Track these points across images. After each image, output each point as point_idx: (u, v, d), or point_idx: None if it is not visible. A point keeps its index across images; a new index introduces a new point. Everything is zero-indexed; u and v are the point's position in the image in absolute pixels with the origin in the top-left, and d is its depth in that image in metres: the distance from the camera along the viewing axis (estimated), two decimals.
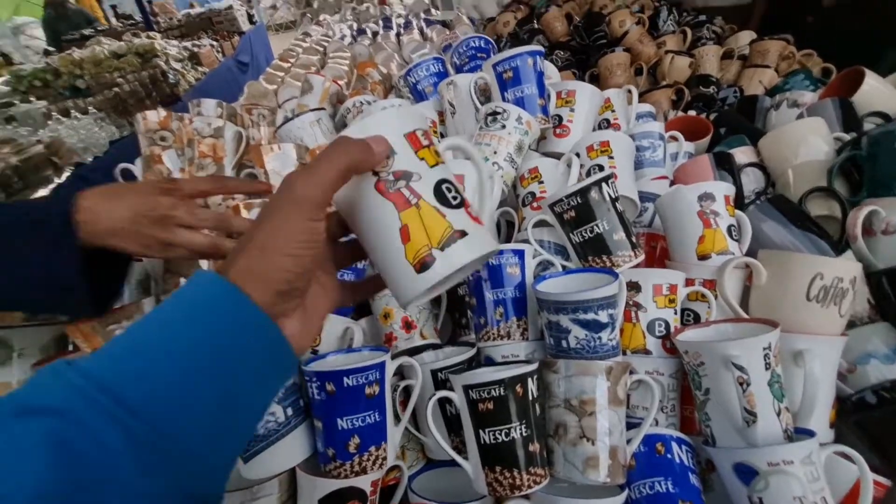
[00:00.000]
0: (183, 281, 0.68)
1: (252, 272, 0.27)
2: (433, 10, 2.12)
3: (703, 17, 1.51)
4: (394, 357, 0.51)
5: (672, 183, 0.76)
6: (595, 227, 0.55)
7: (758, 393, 0.44)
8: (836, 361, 0.51)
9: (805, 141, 0.75)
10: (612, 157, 0.66)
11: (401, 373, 0.54)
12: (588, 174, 0.67)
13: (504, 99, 0.71)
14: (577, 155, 0.69)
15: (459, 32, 1.83)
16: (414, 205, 0.30)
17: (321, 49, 1.84)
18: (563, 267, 0.59)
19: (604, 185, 0.55)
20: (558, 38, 1.58)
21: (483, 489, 0.46)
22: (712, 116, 1.04)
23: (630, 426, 0.50)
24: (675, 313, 0.55)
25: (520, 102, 0.70)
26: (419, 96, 0.92)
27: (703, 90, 1.22)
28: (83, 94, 3.03)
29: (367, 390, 0.46)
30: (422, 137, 0.32)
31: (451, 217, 0.31)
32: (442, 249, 0.30)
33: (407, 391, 0.53)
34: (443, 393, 0.47)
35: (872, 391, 0.52)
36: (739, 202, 0.74)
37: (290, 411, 0.47)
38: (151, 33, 3.75)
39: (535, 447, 0.45)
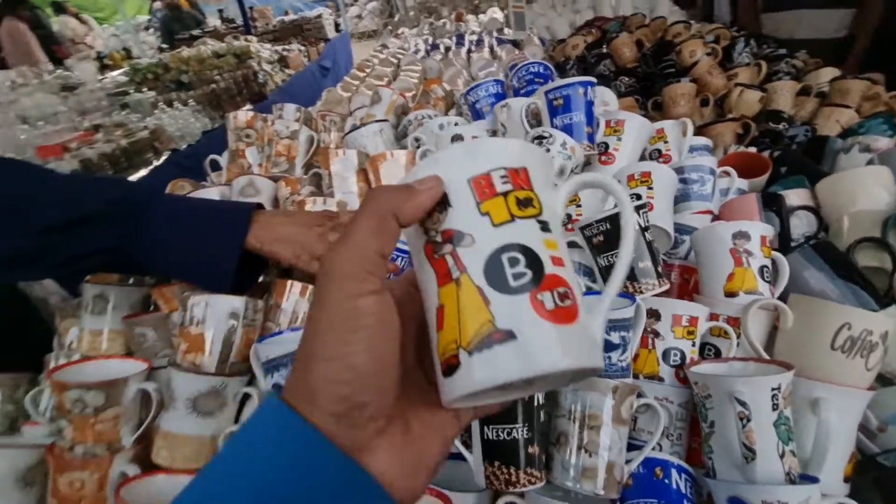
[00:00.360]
0: None
1: (299, 390, 0.22)
2: (506, 30, 2.19)
3: (782, 51, 1.45)
4: None
5: (716, 219, 0.76)
6: None
7: (759, 431, 0.45)
8: (858, 414, 0.50)
9: (865, 188, 0.73)
10: (651, 188, 0.68)
11: None
12: None
13: (553, 125, 0.75)
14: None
15: (528, 53, 1.88)
16: (454, 279, 0.23)
17: (395, 61, 1.96)
18: (588, 288, 0.62)
19: (635, 213, 0.58)
20: (626, 64, 1.59)
21: (482, 482, 0.50)
22: (775, 154, 1.01)
23: (633, 448, 0.52)
24: (693, 345, 0.56)
25: (567, 129, 0.74)
26: (476, 115, 0.98)
27: (772, 126, 1.19)
28: (186, 87, 3.38)
29: None
30: (498, 182, 0.24)
31: (500, 306, 0.22)
32: (470, 353, 0.22)
33: None
34: None
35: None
36: (785, 245, 0.73)
37: None
38: (249, 37, 4.13)
39: (534, 450, 0.49)
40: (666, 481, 0.50)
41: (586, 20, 2.10)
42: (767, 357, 0.55)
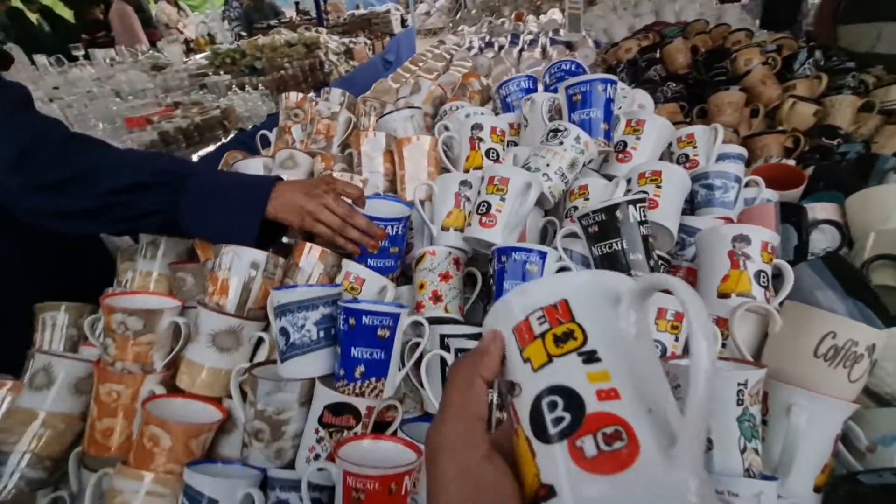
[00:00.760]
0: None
1: None
2: (561, 31, 2.19)
3: (850, 64, 1.36)
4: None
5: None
6: (614, 244, 0.60)
7: (715, 419, 0.46)
8: (834, 424, 0.49)
9: None
10: (659, 187, 0.69)
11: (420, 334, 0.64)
12: None
13: (570, 119, 0.77)
14: (629, 180, 0.73)
15: (580, 55, 1.87)
16: (515, 430, 0.23)
17: (448, 57, 2.01)
18: None
19: (630, 207, 0.60)
20: (677, 70, 1.55)
21: None
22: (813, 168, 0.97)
23: None
24: (677, 340, 0.57)
25: (585, 124, 0.76)
26: (507, 108, 1.01)
27: (825, 142, 1.13)
28: (258, 73, 3.62)
29: (380, 332, 0.57)
30: (536, 324, 0.23)
31: (542, 458, 0.21)
32: None
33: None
34: (438, 351, 0.56)
35: (877, 473, 0.49)
36: (803, 258, 0.71)
37: (321, 334, 0.60)
38: (319, 28, 4.35)
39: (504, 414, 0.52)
40: None
41: (645, 24, 2.06)
42: (750, 359, 0.55)
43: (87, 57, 3.59)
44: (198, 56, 4.05)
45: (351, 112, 1.06)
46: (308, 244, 0.71)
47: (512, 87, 0.98)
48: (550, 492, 0.20)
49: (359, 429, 0.57)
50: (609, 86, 0.75)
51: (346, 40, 4.30)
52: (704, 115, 1.29)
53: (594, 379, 0.21)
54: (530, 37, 2.20)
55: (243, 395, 0.63)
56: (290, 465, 0.59)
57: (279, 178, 0.74)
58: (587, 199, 0.72)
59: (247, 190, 0.72)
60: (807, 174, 0.91)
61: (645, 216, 0.61)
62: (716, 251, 0.61)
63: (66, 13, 5.13)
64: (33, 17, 4.74)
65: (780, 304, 0.60)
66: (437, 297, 0.70)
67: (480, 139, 0.79)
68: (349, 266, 0.69)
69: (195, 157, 2.26)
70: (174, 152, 2.34)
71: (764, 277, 0.59)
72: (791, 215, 0.72)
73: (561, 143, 0.72)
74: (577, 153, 0.72)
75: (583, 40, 1.98)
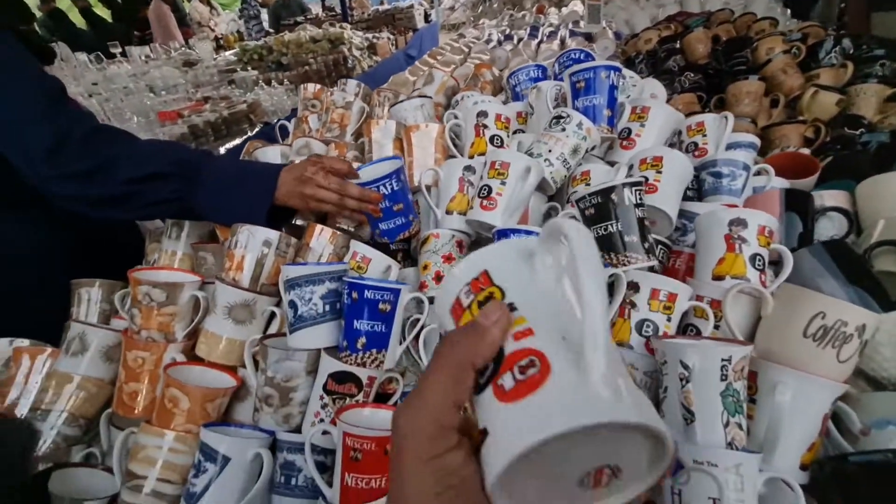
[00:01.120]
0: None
1: None
2: (581, 23, 2.17)
3: (879, 52, 1.31)
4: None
5: None
6: (609, 226, 0.61)
7: (700, 395, 0.47)
8: (821, 403, 0.50)
9: None
10: (660, 172, 0.70)
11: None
12: None
13: (574, 106, 0.78)
14: (631, 166, 0.74)
15: (599, 46, 1.86)
16: None
17: (466, 50, 2.03)
18: None
19: (626, 189, 0.61)
20: (697, 60, 1.53)
21: None
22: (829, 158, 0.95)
23: None
24: (669, 320, 0.59)
25: (588, 111, 0.77)
26: (517, 97, 1.03)
27: (847, 132, 1.10)
28: (284, 68, 3.72)
29: (381, 306, 0.60)
30: (465, 299, 0.26)
31: (478, 408, 0.24)
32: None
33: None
34: (436, 325, 0.59)
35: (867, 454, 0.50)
36: (807, 245, 0.71)
37: (327, 307, 0.63)
38: (344, 24, 4.41)
39: None
40: None
41: (668, 15, 2.02)
42: (741, 339, 0.56)
43: (124, 54, 3.75)
44: (227, 52, 4.18)
45: (366, 102, 1.10)
46: (319, 226, 0.75)
47: (521, 77, 0.99)
48: (484, 433, 0.22)
49: (360, 397, 0.61)
50: (613, 73, 0.76)
51: (370, 36, 4.36)
52: (722, 106, 1.28)
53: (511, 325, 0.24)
54: (550, 29, 2.20)
55: (256, 365, 0.67)
56: (297, 430, 0.63)
57: (283, 167, 0.79)
58: (588, 185, 0.73)
59: (255, 179, 0.77)
60: (823, 164, 0.90)
61: (641, 199, 0.62)
62: (712, 234, 0.62)
63: (105, 13, 5.37)
64: (75, 18, 4.98)
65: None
66: (439, 278, 0.73)
67: (485, 126, 0.81)
68: (357, 246, 0.72)
69: (222, 150, 2.35)
70: (203, 145, 2.44)
71: (760, 261, 0.59)
72: (796, 202, 0.72)
73: (563, 129, 0.74)
74: (579, 139, 0.74)
75: (602, 32, 1.96)
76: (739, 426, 0.48)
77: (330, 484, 0.56)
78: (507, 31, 2.37)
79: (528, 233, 0.65)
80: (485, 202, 0.69)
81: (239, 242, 0.71)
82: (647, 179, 0.70)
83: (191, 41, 4.51)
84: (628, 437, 0.21)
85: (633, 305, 0.59)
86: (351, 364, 0.60)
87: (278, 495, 0.60)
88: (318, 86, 1.15)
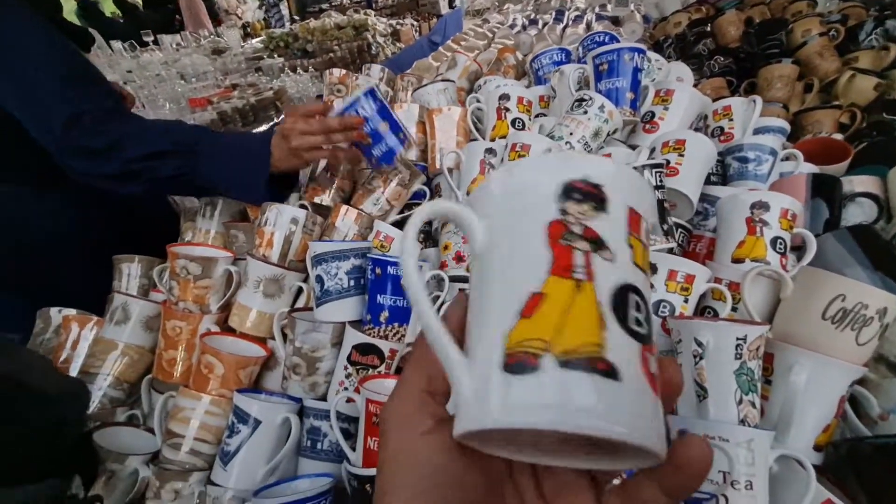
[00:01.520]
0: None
1: None
2: (609, 6, 2.12)
3: None
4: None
5: None
6: None
7: (713, 372, 0.48)
8: (837, 385, 0.50)
9: None
10: (682, 155, 0.70)
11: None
12: None
13: (597, 89, 0.78)
14: (653, 149, 0.74)
15: (626, 30, 1.83)
16: (576, 279, 0.20)
17: (490, 35, 2.01)
18: None
19: (646, 171, 0.61)
20: (728, 44, 1.48)
21: None
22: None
23: None
24: (686, 301, 0.59)
25: (611, 94, 0.77)
26: (539, 81, 1.03)
27: (886, 117, 1.06)
28: (309, 55, 3.75)
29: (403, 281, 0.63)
30: (643, 231, 0.22)
31: (615, 338, 0.19)
32: (562, 364, 0.18)
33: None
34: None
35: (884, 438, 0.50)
36: (832, 229, 0.70)
37: (352, 282, 0.66)
38: (368, 10, 4.42)
39: None
40: None
41: None
42: (759, 321, 0.56)
43: (156, 42, 3.85)
44: (254, 40, 4.24)
45: (389, 87, 1.12)
46: (344, 206, 0.77)
47: (544, 61, 0.99)
48: (612, 372, 0.18)
49: (382, 368, 0.64)
50: (637, 55, 0.76)
51: (394, 22, 4.35)
52: (753, 91, 1.24)
53: (652, 318, 0.22)
54: (576, 13, 2.16)
55: (284, 337, 0.71)
56: (323, 398, 0.66)
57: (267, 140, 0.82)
58: None
59: (249, 151, 0.81)
60: (856, 150, 0.87)
61: (661, 181, 0.62)
62: (733, 217, 0.62)
63: (137, 0, 5.50)
64: (108, 6, 5.12)
65: None
66: (459, 258, 0.74)
67: (507, 109, 0.82)
68: (380, 226, 0.75)
69: None
70: (231, 132, 2.50)
71: (781, 244, 0.59)
72: (824, 187, 0.70)
73: (585, 112, 0.74)
74: (601, 122, 0.74)
75: (630, 15, 1.92)
76: (753, 404, 0.49)
77: (353, 448, 0.59)
78: (532, 16, 2.34)
79: None
80: None
81: (268, 220, 0.74)
82: (668, 162, 0.70)
83: (219, 29, 4.59)
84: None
85: (651, 286, 0.60)
86: (374, 337, 0.63)
87: (304, 458, 0.64)
88: (343, 71, 1.17)
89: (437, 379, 0.23)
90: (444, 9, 5.20)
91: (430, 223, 0.84)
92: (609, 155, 0.71)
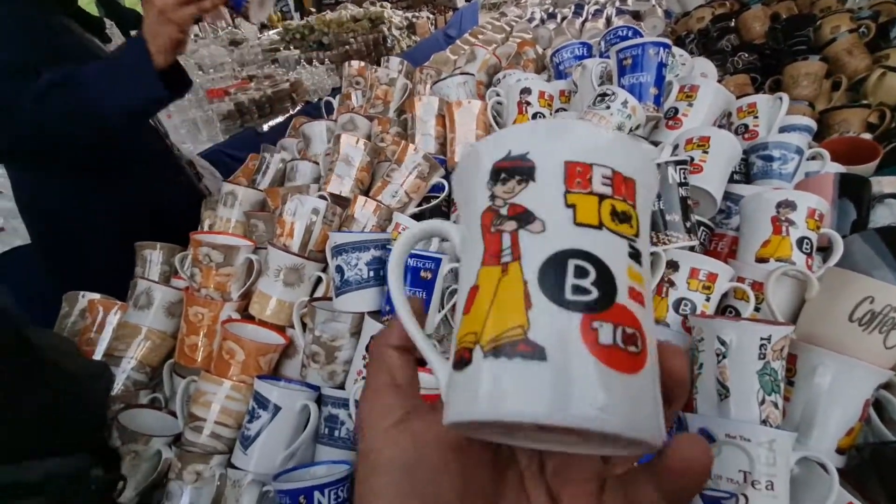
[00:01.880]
0: None
1: None
2: (629, 1, 2.09)
3: None
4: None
5: None
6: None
7: (736, 371, 0.48)
8: (862, 389, 0.49)
9: None
10: (706, 153, 0.69)
11: None
12: None
13: (620, 84, 0.77)
14: (676, 146, 0.73)
15: (647, 25, 1.80)
16: (502, 263, 0.19)
17: (508, 29, 2.00)
18: None
19: (670, 167, 0.61)
20: (753, 40, 1.45)
21: None
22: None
23: None
24: (708, 300, 0.59)
25: (634, 89, 0.76)
26: (560, 76, 1.02)
27: None
28: (325, 48, 3.76)
29: (423, 273, 0.63)
30: (598, 180, 0.19)
31: (541, 315, 0.17)
32: (485, 355, 0.18)
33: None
34: None
35: None
36: (859, 231, 0.68)
37: (371, 273, 0.67)
38: (384, 3, 4.41)
39: None
40: None
41: None
42: (782, 321, 0.55)
43: None
44: (270, 32, 4.26)
45: (408, 79, 1.12)
46: (362, 197, 0.78)
47: (565, 55, 0.98)
48: (538, 353, 0.17)
49: None
50: (662, 49, 0.75)
51: (410, 15, 4.34)
52: (778, 88, 1.22)
53: (633, 276, 0.18)
54: (595, 7, 2.13)
55: (303, 326, 0.72)
56: (341, 387, 0.67)
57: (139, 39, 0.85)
58: None
59: (129, 63, 0.84)
60: (886, 150, 0.86)
61: (685, 178, 0.61)
62: (759, 216, 0.61)
63: None
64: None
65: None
66: None
67: (528, 103, 0.82)
68: (399, 218, 0.75)
69: (266, 127, 2.43)
70: (248, 122, 2.53)
71: (807, 244, 0.58)
72: (851, 188, 0.69)
73: (608, 107, 0.73)
74: (623, 118, 0.73)
75: (651, 10, 1.89)
76: (775, 405, 0.49)
77: None
78: (551, 10, 2.32)
79: None
80: None
81: (288, 210, 0.75)
82: (692, 159, 0.69)
83: (236, 20, 4.61)
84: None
85: (672, 284, 0.60)
86: None
87: (322, 445, 0.65)
88: (362, 63, 1.18)
89: (400, 369, 0.23)
90: (459, 2, 5.17)
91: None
92: None
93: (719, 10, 1.70)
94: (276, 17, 5.00)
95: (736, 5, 1.74)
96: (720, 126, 0.85)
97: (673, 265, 0.60)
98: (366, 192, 0.86)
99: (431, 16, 4.44)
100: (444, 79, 0.99)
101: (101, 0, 4.70)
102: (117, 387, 0.74)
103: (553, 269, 0.18)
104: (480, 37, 1.94)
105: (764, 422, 0.48)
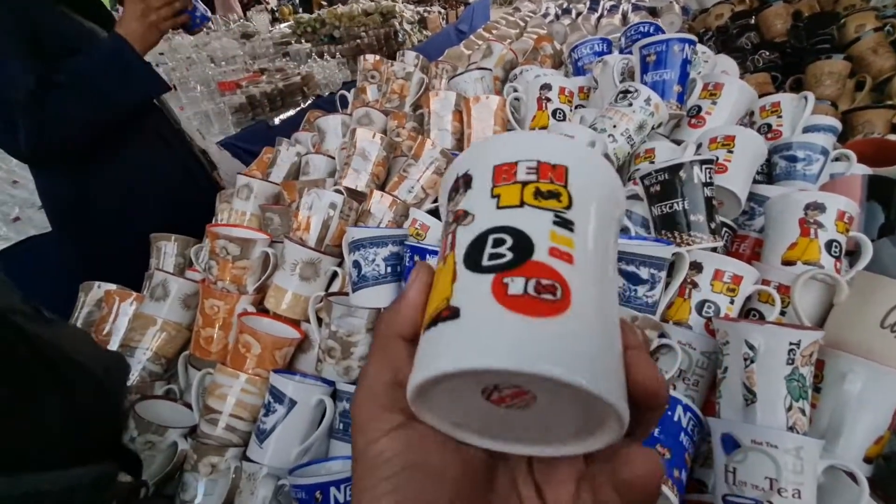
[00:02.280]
0: None
1: None
2: None
3: None
4: None
5: None
6: (675, 204, 0.60)
7: (763, 376, 0.47)
8: (894, 397, 0.48)
9: None
10: (731, 152, 0.67)
11: None
12: None
13: (643, 81, 0.76)
14: (700, 145, 0.71)
15: (664, 21, 1.77)
16: (444, 258, 0.21)
17: (522, 24, 1.98)
18: (637, 234, 0.65)
19: (696, 167, 0.59)
20: (774, 38, 1.43)
21: None
22: None
23: None
24: (732, 303, 0.58)
25: (657, 86, 0.74)
26: (578, 72, 1.00)
27: None
28: (336, 41, 3.75)
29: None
30: (523, 172, 0.21)
31: (461, 283, 0.19)
32: (423, 332, 0.20)
33: None
34: None
35: None
36: (888, 234, 0.67)
37: (388, 269, 0.66)
38: None
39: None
40: (668, 413, 0.54)
41: None
42: (809, 325, 0.54)
43: None
44: (282, 25, 4.26)
45: (424, 73, 1.11)
46: (378, 192, 0.77)
47: (584, 51, 0.97)
48: (453, 313, 0.18)
49: None
50: (687, 46, 0.73)
51: (421, 9, 4.31)
52: (799, 87, 1.20)
53: (556, 239, 0.19)
54: (611, 2, 2.10)
55: (319, 321, 0.71)
56: (356, 383, 0.67)
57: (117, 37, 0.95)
58: (653, 163, 0.72)
59: (115, 65, 0.95)
60: None
61: (711, 178, 0.60)
62: (786, 218, 0.59)
63: None
64: None
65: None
66: None
67: (548, 99, 0.80)
68: (416, 214, 0.74)
69: (277, 121, 2.43)
70: (259, 115, 2.53)
71: (836, 248, 0.57)
72: (879, 190, 0.67)
73: (630, 104, 0.72)
74: (646, 115, 0.72)
75: (668, 6, 1.86)
76: (802, 412, 0.48)
77: None
78: (566, 5, 2.29)
79: None
80: None
81: (305, 204, 0.74)
82: (717, 159, 0.67)
83: (248, 13, 4.62)
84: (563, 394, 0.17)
85: (695, 285, 0.59)
86: None
87: (336, 440, 0.64)
88: (377, 56, 1.17)
89: (405, 369, 0.20)
90: None
91: None
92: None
93: (739, 6, 1.67)
94: (287, 10, 4.99)
95: (756, 2, 1.71)
96: (743, 125, 0.84)
97: (696, 266, 0.59)
98: (381, 187, 0.85)
99: (443, 10, 4.41)
100: (461, 74, 0.98)
101: None
102: (133, 377, 0.74)
103: (476, 247, 0.19)
104: (494, 32, 1.93)
105: (791, 428, 0.47)
